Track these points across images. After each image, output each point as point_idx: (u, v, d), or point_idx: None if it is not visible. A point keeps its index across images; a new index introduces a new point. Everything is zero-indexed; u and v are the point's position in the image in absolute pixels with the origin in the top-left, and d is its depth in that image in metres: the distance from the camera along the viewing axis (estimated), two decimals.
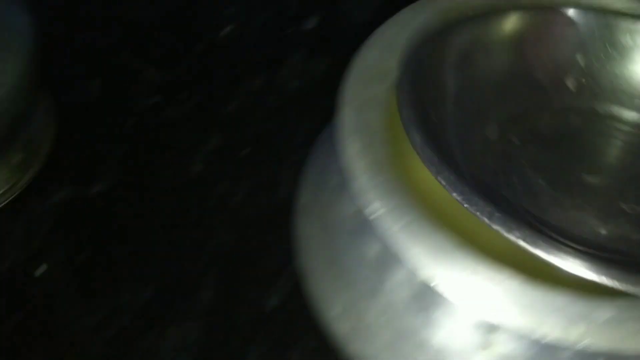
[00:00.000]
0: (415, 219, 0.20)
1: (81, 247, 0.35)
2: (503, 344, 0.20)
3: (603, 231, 0.25)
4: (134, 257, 0.35)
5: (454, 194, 0.19)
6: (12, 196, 0.36)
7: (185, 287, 0.34)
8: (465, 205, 0.19)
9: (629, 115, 0.30)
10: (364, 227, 0.22)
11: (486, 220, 0.19)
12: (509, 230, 0.19)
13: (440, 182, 0.20)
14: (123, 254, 0.35)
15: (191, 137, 0.40)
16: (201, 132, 0.40)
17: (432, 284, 0.19)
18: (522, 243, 0.18)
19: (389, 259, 0.21)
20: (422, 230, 0.19)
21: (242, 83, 0.42)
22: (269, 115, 0.41)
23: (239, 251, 0.35)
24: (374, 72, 0.24)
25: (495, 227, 0.19)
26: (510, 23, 0.29)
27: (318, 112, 0.36)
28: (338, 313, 0.23)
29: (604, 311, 0.18)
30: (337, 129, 0.22)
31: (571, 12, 0.29)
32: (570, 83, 0.30)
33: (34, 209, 0.36)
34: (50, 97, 0.40)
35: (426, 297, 0.21)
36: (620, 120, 0.30)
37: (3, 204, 0.36)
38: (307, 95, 0.42)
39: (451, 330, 0.21)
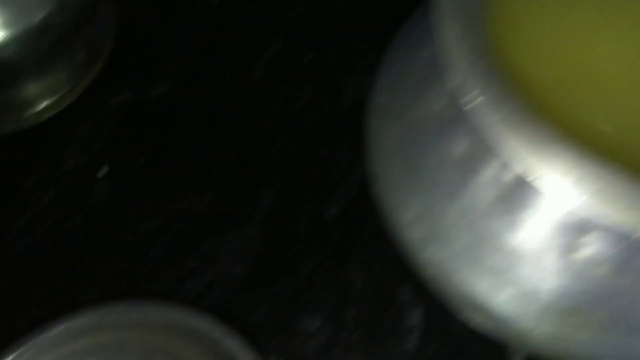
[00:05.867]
0: (517, 109, 0.18)
1: (142, 150, 0.34)
2: (591, 246, 0.18)
3: None
4: (194, 161, 0.34)
5: None
6: (75, 97, 0.36)
7: (244, 194, 0.33)
8: None
9: None
10: (451, 123, 0.20)
11: None
12: None
13: None
14: (183, 158, 0.34)
15: (253, 40, 0.38)
16: (263, 36, 0.38)
17: (528, 179, 0.17)
18: None
19: (476, 157, 0.20)
20: (523, 121, 0.17)
21: None
22: (335, 18, 0.39)
23: (299, 159, 0.34)
24: None
25: None
26: None
27: (387, 15, 0.34)
28: (413, 218, 0.22)
29: None
30: (433, 11, 0.20)
31: None
32: None
33: (95, 110, 0.36)
34: None
35: (513, 198, 0.19)
36: None
37: (65, 105, 0.36)
38: None
39: (535, 232, 0.19)
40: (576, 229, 0.18)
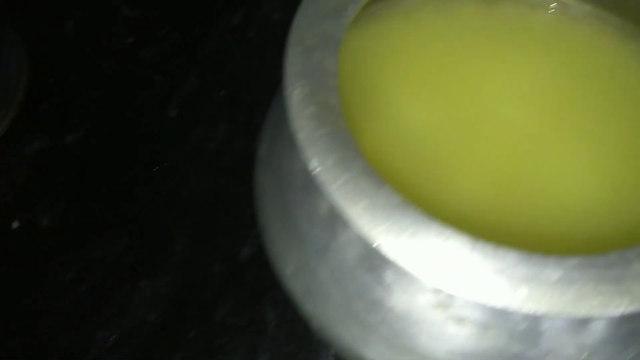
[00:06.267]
0: (358, 175, 0.18)
1: (57, 199, 0.34)
2: (450, 307, 0.19)
3: None
4: (109, 208, 0.34)
5: None
6: None
7: (158, 239, 0.33)
8: None
9: None
10: (313, 182, 0.20)
11: None
12: None
13: None
14: (98, 206, 0.34)
15: (167, 79, 0.38)
16: (178, 73, 0.38)
17: (374, 245, 0.17)
18: None
19: (337, 216, 0.20)
20: (364, 188, 0.17)
21: (221, 18, 0.40)
22: (249, 52, 0.39)
23: (213, 200, 0.34)
24: (328, 5, 0.21)
25: None
26: None
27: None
28: (293, 272, 0.22)
29: (552, 272, 0.16)
30: (284, 72, 0.20)
31: None
32: None
33: (8, 160, 0.35)
34: (21, 41, 0.38)
35: (372, 258, 0.19)
36: None
37: None
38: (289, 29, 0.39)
39: (403, 289, 0.19)
40: (430, 291, 0.18)
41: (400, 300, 0.19)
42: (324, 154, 0.18)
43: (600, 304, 0.15)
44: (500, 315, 0.18)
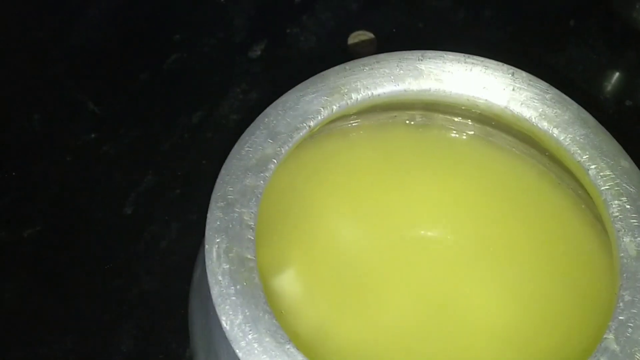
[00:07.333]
0: (264, 333, 0.19)
1: (7, 295, 0.35)
2: None
3: None
4: (58, 305, 0.35)
5: None
6: None
7: (104, 338, 0.34)
8: None
9: None
10: None
11: None
12: None
13: None
14: (48, 303, 0.35)
15: (126, 175, 0.39)
16: (136, 171, 0.40)
17: None
18: None
19: None
20: (267, 347, 0.19)
21: (181, 116, 0.42)
22: (206, 152, 0.41)
23: (161, 300, 0.35)
24: (252, 160, 0.23)
25: None
26: None
27: None
28: None
29: None
30: (205, 228, 0.22)
31: None
32: None
33: None
34: None
35: None
36: None
37: None
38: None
39: None
40: None
41: None
42: (233, 312, 0.19)
43: None
44: None
